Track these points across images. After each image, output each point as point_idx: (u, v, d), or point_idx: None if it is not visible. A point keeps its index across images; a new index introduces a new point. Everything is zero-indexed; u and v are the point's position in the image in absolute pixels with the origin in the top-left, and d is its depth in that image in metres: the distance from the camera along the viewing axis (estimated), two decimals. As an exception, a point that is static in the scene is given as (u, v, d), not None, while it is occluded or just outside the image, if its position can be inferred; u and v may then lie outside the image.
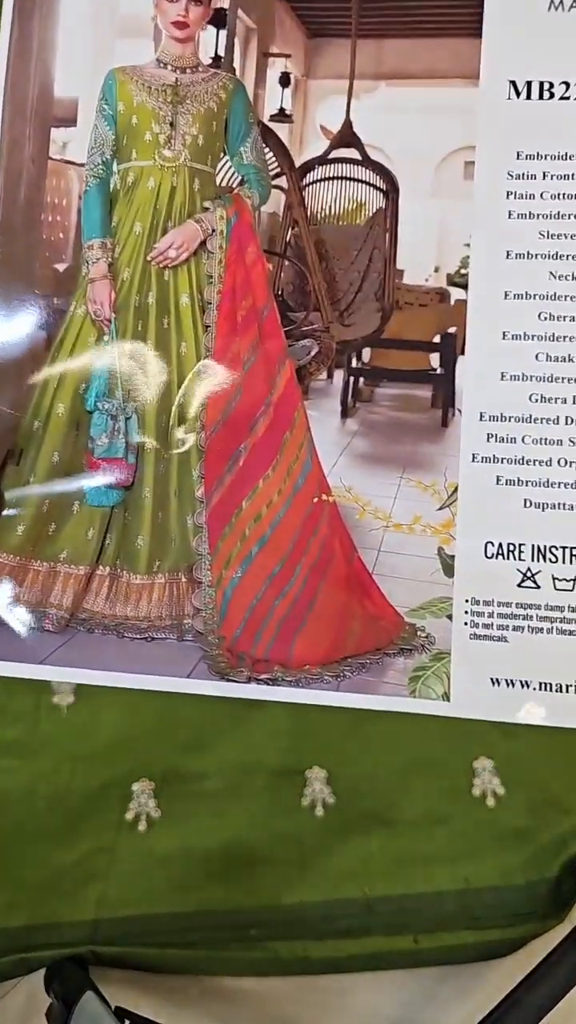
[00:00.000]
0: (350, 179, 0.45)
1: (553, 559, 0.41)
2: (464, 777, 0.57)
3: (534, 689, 0.40)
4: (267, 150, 0.45)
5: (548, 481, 0.40)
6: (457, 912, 0.53)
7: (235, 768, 0.57)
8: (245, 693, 0.41)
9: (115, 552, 0.44)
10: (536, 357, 0.40)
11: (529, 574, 0.41)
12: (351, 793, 0.56)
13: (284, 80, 0.45)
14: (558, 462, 0.40)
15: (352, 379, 0.44)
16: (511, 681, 0.41)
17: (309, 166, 0.45)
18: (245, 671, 0.42)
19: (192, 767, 0.57)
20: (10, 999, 0.53)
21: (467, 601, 0.41)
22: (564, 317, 0.40)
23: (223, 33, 0.44)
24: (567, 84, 0.40)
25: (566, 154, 0.40)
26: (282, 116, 0.45)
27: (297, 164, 0.45)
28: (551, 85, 0.40)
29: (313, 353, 0.44)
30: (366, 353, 0.45)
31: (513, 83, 0.40)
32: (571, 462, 0.41)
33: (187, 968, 0.54)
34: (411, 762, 0.57)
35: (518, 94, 0.40)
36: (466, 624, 0.41)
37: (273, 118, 0.45)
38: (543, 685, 0.40)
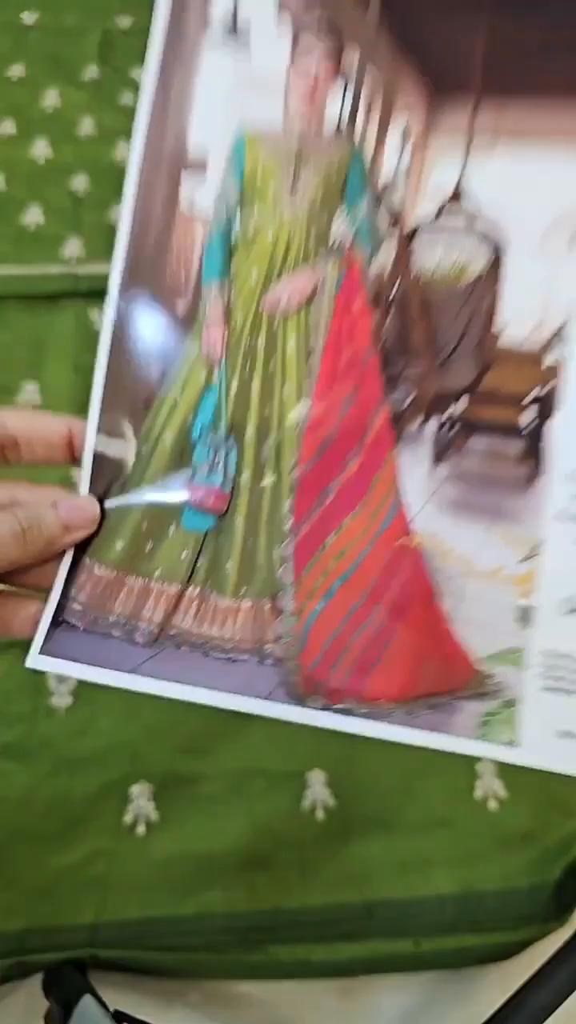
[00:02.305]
0: (456, 244, 0.47)
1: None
2: (466, 780, 0.56)
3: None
4: (380, 210, 0.48)
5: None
6: (459, 915, 0.52)
7: (234, 771, 0.56)
8: (319, 721, 0.43)
9: (206, 574, 0.47)
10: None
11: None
12: (352, 796, 0.55)
13: (403, 136, 0.48)
14: None
15: (446, 428, 0.46)
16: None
17: (418, 227, 0.47)
18: (321, 699, 0.44)
19: (191, 770, 0.56)
20: (8, 1003, 0.54)
21: (541, 653, 0.43)
22: None
23: (348, 95, 0.47)
24: None
25: None
26: (397, 179, 0.48)
27: (407, 228, 0.47)
28: None
29: (410, 400, 0.46)
30: (461, 403, 0.46)
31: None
32: None
33: (186, 972, 0.53)
34: (412, 764, 0.56)
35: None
36: (538, 675, 0.42)
37: (386, 185, 0.48)
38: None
